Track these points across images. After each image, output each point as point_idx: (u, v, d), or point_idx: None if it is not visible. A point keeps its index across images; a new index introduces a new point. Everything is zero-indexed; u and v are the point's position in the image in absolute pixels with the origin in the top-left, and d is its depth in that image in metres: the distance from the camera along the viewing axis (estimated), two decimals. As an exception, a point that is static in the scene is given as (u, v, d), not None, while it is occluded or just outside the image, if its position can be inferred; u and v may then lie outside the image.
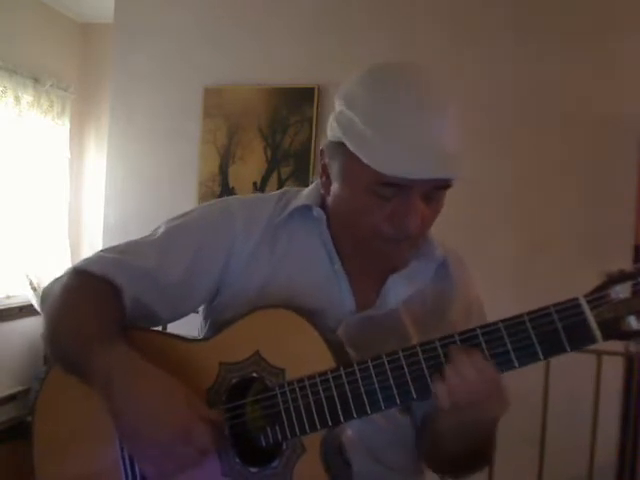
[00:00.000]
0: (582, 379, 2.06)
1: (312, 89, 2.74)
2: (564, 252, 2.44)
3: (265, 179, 2.83)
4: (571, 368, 2.06)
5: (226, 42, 2.88)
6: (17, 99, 3.34)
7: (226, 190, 2.87)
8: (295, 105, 2.78)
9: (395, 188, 0.82)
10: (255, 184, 2.84)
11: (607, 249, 2.39)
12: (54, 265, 3.54)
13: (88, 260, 0.94)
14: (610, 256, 2.38)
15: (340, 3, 2.75)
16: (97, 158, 3.84)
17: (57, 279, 0.94)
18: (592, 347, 1.98)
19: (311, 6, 2.78)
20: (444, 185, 0.84)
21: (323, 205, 0.96)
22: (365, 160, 0.80)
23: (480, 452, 0.92)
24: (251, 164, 2.85)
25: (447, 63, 2.53)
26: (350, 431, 0.89)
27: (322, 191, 0.95)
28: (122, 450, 0.87)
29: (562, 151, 2.49)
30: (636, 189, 2.41)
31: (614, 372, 2.23)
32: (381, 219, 0.85)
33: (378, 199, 0.84)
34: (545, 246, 2.48)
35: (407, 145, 0.79)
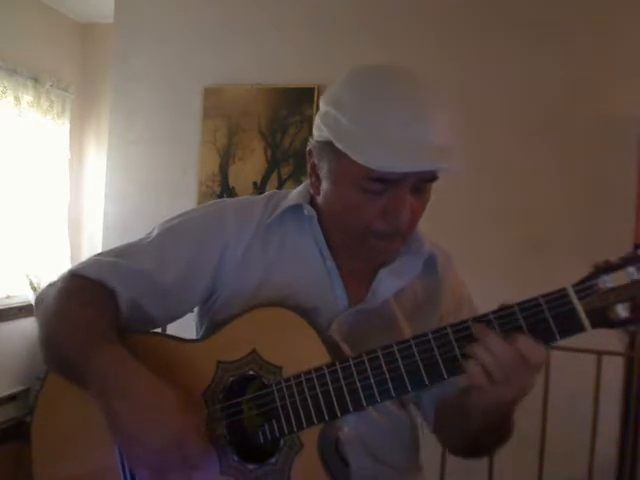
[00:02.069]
0: (582, 379, 2.05)
1: (312, 89, 2.74)
2: (564, 252, 2.44)
3: (265, 179, 2.83)
4: (571, 368, 2.06)
5: (226, 42, 2.88)
6: (17, 99, 3.34)
7: (226, 190, 2.87)
8: (295, 105, 2.78)
9: (384, 183, 0.84)
10: (255, 184, 2.84)
11: (607, 249, 2.38)
12: (54, 265, 3.54)
13: (83, 264, 0.94)
14: (610, 256, 2.38)
15: (339, 4, 2.75)
16: (97, 158, 3.84)
17: (52, 284, 0.94)
18: (592, 347, 1.97)
19: (311, 6, 2.78)
20: (431, 177, 0.86)
21: (313, 204, 0.97)
22: (353, 156, 0.82)
23: (500, 432, 0.91)
24: (251, 164, 2.85)
25: (448, 63, 2.53)
26: (347, 428, 0.90)
27: (312, 191, 0.96)
28: (120, 452, 0.87)
29: (562, 151, 2.49)
30: (636, 189, 2.41)
31: (614, 372, 2.23)
32: (372, 215, 0.87)
33: (368, 195, 0.85)
34: (545, 246, 2.48)
35: (393, 139, 0.80)
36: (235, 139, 2.87)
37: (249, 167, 2.85)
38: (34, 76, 3.44)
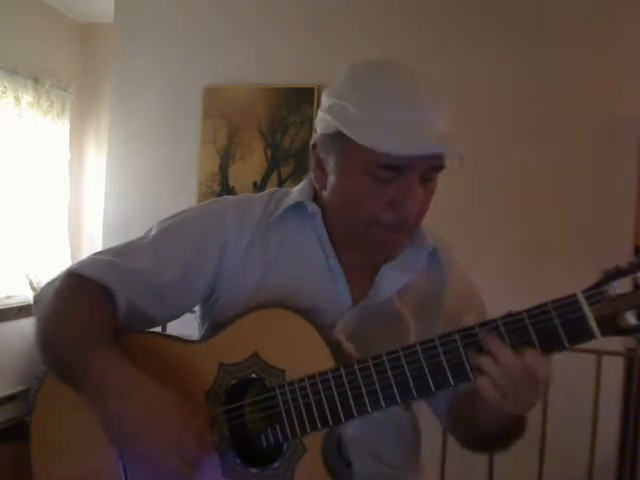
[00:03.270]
0: (582, 379, 2.06)
1: (312, 89, 2.74)
2: (564, 252, 2.44)
3: (265, 179, 2.83)
4: (571, 368, 2.06)
5: (226, 42, 2.88)
6: (17, 99, 3.33)
7: (226, 190, 2.86)
8: (295, 105, 2.78)
9: (393, 170, 0.83)
10: (255, 184, 2.84)
11: (607, 249, 2.39)
12: (54, 265, 3.54)
13: (81, 263, 0.93)
14: (610, 256, 2.38)
15: (339, 4, 2.75)
16: (97, 158, 3.84)
17: (50, 282, 0.93)
18: (592, 347, 1.97)
19: (311, 6, 2.78)
20: (438, 166, 0.86)
21: (316, 200, 0.96)
22: (362, 141, 0.82)
23: (509, 434, 0.90)
24: (251, 164, 2.85)
25: (448, 63, 2.53)
26: (351, 430, 0.89)
27: (316, 186, 0.95)
28: (120, 452, 0.87)
29: (562, 151, 2.48)
30: (636, 189, 2.41)
31: (614, 372, 2.23)
32: (380, 206, 0.86)
33: (377, 184, 0.85)
34: (545, 246, 2.48)
35: (401, 123, 0.81)
36: (235, 139, 2.87)
37: (249, 167, 2.85)
38: (34, 76, 3.43)
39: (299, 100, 2.77)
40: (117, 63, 3.08)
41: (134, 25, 3.04)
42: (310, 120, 2.74)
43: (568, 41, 2.47)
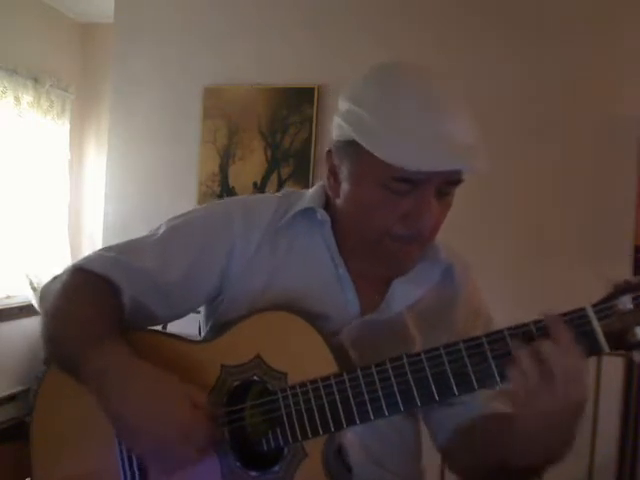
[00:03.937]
0: (582, 379, 2.06)
1: (312, 89, 2.74)
2: (564, 252, 2.44)
3: (265, 179, 2.83)
4: (571, 368, 2.06)
5: (226, 42, 2.88)
6: (17, 99, 3.34)
7: (226, 190, 2.87)
8: (295, 105, 2.78)
9: (409, 184, 0.81)
10: (255, 184, 2.84)
11: (607, 249, 2.39)
12: (54, 265, 3.54)
13: (88, 258, 0.93)
14: (610, 256, 2.38)
15: (339, 4, 2.75)
16: (97, 158, 3.84)
17: (56, 277, 0.93)
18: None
19: (311, 6, 2.78)
20: (456, 180, 0.83)
21: (327, 208, 0.94)
22: (377, 154, 0.79)
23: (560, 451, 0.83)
24: (251, 164, 2.85)
25: (448, 63, 2.53)
26: (351, 434, 0.88)
27: (330, 193, 0.93)
28: (120, 449, 0.87)
29: (562, 151, 2.48)
30: (636, 189, 2.41)
31: (614, 372, 2.23)
32: (394, 218, 0.83)
33: (391, 195, 0.82)
34: (545, 246, 2.48)
35: (419, 136, 0.78)
36: (235, 139, 2.87)
37: (249, 167, 2.85)
38: (34, 76, 3.43)
39: (299, 100, 2.77)
40: (117, 63, 3.08)
41: (134, 25, 3.04)
42: (310, 120, 2.75)
43: (568, 41, 2.47)
